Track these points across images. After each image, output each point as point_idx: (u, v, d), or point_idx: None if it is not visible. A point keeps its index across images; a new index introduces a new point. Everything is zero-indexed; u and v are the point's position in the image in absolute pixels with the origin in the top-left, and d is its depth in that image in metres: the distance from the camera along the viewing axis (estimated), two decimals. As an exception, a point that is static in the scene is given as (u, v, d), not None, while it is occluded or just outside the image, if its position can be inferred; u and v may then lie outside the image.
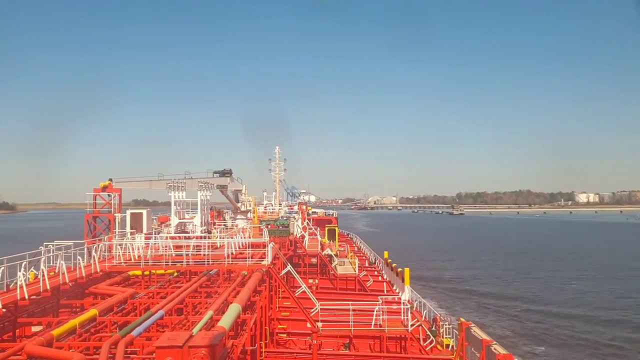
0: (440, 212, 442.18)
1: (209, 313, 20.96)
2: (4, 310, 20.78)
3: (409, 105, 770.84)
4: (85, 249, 31.24)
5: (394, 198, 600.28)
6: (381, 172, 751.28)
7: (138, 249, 32.23)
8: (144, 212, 45.09)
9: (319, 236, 53.68)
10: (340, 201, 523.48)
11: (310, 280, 45.49)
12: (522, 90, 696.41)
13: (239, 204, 58.44)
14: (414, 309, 35.75)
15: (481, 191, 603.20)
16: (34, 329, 22.47)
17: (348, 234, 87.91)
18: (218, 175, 53.69)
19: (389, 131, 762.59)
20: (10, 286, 22.98)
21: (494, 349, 22.73)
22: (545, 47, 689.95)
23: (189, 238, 35.97)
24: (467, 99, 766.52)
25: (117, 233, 41.93)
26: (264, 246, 33.05)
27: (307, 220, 62.56)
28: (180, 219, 43.13)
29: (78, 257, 27.91)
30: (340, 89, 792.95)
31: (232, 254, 31.83)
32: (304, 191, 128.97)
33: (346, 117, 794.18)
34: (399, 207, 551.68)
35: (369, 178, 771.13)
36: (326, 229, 62.33)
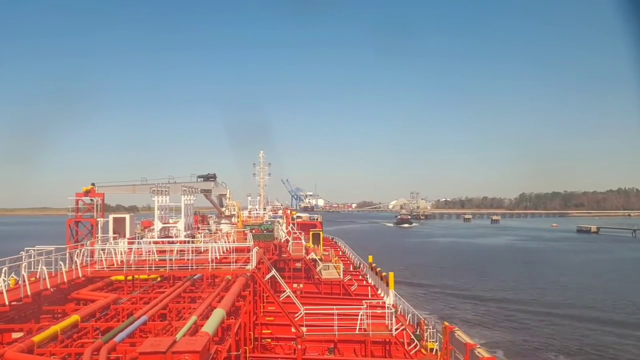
0: None
1: (193, 318, 20.84)
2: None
3: (403, 111, 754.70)
4: (67, 254, 30.90)
5: (424, 201, 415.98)
6: (392, 176, 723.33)
7: (121, 254, 31.95)
8: (127, 216, 44.74)
9: (303, 240, 53.68)
10: (354, 205, 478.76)
11: (295, 285, 45.46)
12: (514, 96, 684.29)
13: (223, 209, 58.23)
14: (398, 313, 35.89)
15: (559, 190, 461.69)
16: (15, 335, 22.09)
17: (332, 238, 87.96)
18: (202, 179, 53.49)
19: (389, 136, 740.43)
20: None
21: (478, 352, 22.97)
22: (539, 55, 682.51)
23: (172, 243, 35.73)
24: (465, 105, 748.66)
25: (99, 238, 41.53)
26: (248, 250, 32.94)
27: (291, 225, 62.56)
28: (163, 223, 42.82)
29: (60, 262, 27.58)
30: (335, 95, 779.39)
31: (216, 258, 31.71)
32: (311, 194, 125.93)
33: (342, 122, 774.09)
34: (495, 216, 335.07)
35: (380, 182, 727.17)
36: (311, 233, 62.36)
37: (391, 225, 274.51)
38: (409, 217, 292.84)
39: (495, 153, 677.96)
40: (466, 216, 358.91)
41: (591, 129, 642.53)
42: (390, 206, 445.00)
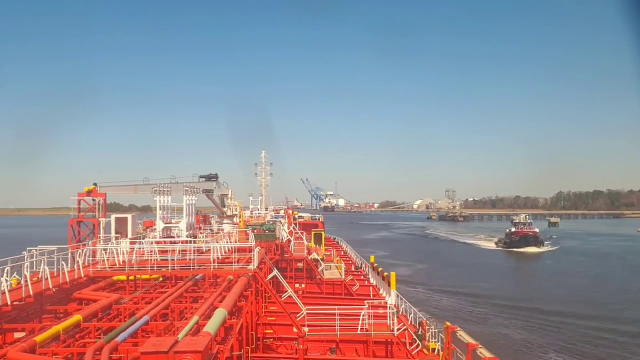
0: None
1: (195, 318, 20.85)
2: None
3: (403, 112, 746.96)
4: (69, 253, 30.92)
5: (449, 200, 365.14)
6: (413, 175, 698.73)
7: (123, 254, 31.97)
8: (129, 216, 44.76)
9: (305, 240, 53.65)
10: (376, 205, 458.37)
11: (297, 285, 45.41)
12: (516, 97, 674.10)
13: (225, 209, 58.22)
14: (400, 313, 35.86)
15: (601, 189, 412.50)
16: (17, 335, 22.15)
17: (334, 238, 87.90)
18: (204, 179, 53.53)
19: (407, 135, 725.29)
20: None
21: (480, 352, 22.96)
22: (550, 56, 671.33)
23: (174, 242, 35.76)
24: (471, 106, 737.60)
25: (101, 238, 41.55)
26: (250, 250, 32.95)
27: (293, 225, 62.56)
28: (165, 223, 42.88)
29: (62, 262, 27.61)
30: (350, 94, 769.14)
31: (218, 258, 31.73)
32: (331, 193, 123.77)
33: (358, 122, 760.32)
34: (553, 217, 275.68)
35: (401, 181, 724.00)
36: (312, 233, 62.30)
37: (492, 246, 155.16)
38: (536, 231, 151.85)
39: (519, 152, 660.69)
40: (550, 221, 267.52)
41: (615, 128, 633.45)
42: (415, 206, 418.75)
